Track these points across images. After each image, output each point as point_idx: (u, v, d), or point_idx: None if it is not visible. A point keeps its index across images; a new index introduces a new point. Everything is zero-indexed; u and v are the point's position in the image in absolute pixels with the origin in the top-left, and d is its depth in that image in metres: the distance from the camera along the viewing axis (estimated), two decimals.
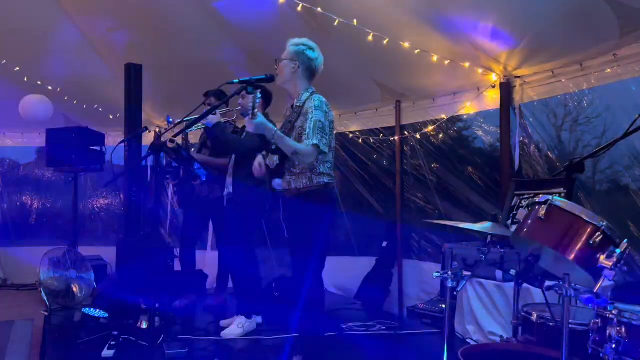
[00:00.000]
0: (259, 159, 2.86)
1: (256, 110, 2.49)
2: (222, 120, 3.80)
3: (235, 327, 3.69)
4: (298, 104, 2.78)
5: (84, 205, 6.66)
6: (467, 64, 4.13)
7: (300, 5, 4.06)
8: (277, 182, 2.78)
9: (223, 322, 3.90)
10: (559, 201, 1.98)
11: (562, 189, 3.55)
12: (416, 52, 4.12)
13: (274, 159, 2.70)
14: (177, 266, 4.49)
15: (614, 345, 1.99)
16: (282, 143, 2.61)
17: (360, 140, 5.39)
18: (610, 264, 1.84)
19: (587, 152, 2.44)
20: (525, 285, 2.90)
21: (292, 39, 2.85)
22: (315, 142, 2.61)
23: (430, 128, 4.76)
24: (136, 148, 4.61)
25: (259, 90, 2.57)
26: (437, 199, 4.78)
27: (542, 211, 1.98)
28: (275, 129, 2.63)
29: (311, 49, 2.82)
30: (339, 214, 2.88)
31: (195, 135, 6.26)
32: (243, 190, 3.75)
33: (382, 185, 5.24)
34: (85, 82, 5.79)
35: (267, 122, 2.60)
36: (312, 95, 2.77)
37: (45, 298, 4.42)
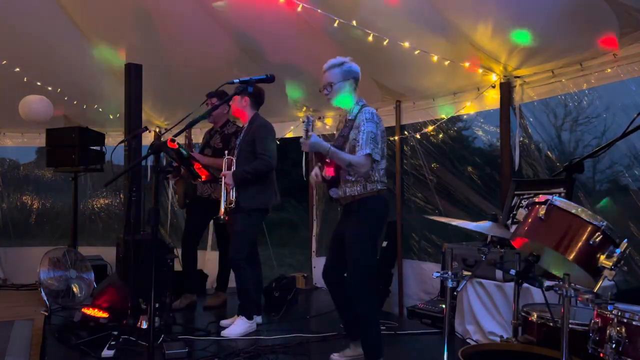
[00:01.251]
0: (316, 170, 3.01)
1: (310, 132, 2.69)
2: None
3: (236, 327, 3.70)
4: (351, 118, 2.95)
5: (84, 205, 6.66)
6: (467, 64, 4.13)
7: (300, 5, 4.06)
8: (333, 191, 2.98)
9: (223, 322, 3.91)
10: (559, 201, 1.98)
11: (562, 189, 3.55)
12: (416, 52, 4.12)
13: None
14: (177, 266, 4.48)
15: (614, 345, 1.99)
16: (337, 157, 2.80)
17: None
18: (610, 263, 1.84)
19: (587, 152, 2.44)
20: (525, 285, 2.90)
21: (327, 62, 2.98)
22: (367, 151, 2.79)
23: (430, 128, 4.76)
24: (136, 148, 4.62)
25: (310, 116, 2.75)
26: (437, 199, 4.78)
27: (542, 211, 1.98)
28: (329, 145, 2.79)
29: (351, 63, 2.99)
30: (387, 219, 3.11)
31: (197, 136, 6.28)
32: (247, 192, 3.75)
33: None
34: (85, 82, 5.79)
35: (321, 141, 2.78)
36: (362, 108, 2.94)
37: (45, 298, 4.43)
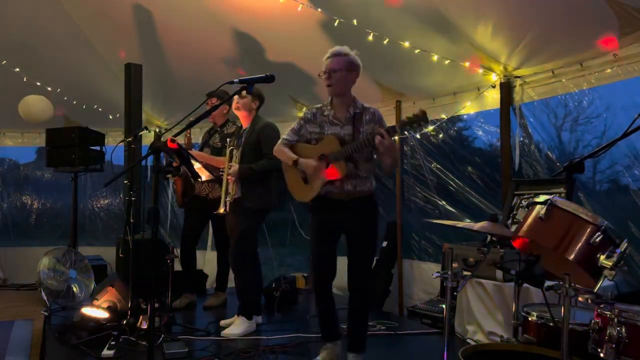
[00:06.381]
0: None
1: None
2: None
3: (235, 327, 3.70)
4: (357, 111, 2.88)
5: (84, 205, 6.66)
6: (467, 64, 4.13)
7: (300, 5, 4.07)
8: (327, 187, 2.85)
9: (223, 322, 3.90)
10: (559, 201, 1.98)
11: (562, 189, 3.55)
12: (416, 52, 4.12)
13: (351, 167, 2.81)
14: (177, 266, 4.48)
15: (614, 345, 1.99)
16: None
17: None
18: (610, 263, 1.84)
19: (587, 152, 2.43)
20: (525, 285, 2.90)
21: (333, 49, 2.87)
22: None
23: (430, 128, 4.76)
24: (136, 148, 4.62)
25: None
26: (437, 199, 4.78)
27: (542, 211, 1.98)
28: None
29: (356, 56, 2.88)
30: None
31: (197, 135, 6.27)
32: (253, 192, 3.75)
33: (382, 185, 5.24)
34: (85, 82, 5.79)
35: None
36: (364, 105, 2.91)
37: (45, 298, 4.42)
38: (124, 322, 3.54)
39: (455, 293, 3.66)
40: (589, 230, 1.89)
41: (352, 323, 2.96)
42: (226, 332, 3.66)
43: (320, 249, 2.98)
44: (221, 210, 3.71)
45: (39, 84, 5.60)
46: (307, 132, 2.97)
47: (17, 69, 5.43)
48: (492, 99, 4.27)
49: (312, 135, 2.95)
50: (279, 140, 3.09)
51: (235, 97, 3.68)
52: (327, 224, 2.94)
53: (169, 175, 4.57)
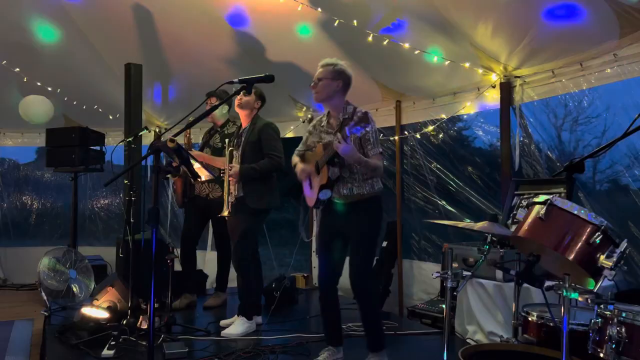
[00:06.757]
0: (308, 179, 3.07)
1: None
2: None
3: (235, 327, 3.70)
4: (346, 117, 2.95)
5: (84, 205, 6.67)
6: (467, 64, 4.13)
7: (300, 5, 4.07)
8: (325, 192, 2.92)
9: (223, 322, 3.90)
10: (559, 201, 1.98)
11: (562, 189, 3.55)
12: (416, 52, 4.12)
13: (335, 171, 2.88)
14: (177, 266, 4.48)
15: (614, 345, 1.99)
16: (366, 164, 2.82)
17: None
18: (610, 263, 1.84)
19: (587, 152, 2.43)
20: (525, 285, 2.90)
21: (323, 60, 3.02)
22: (380, 150, 2.93)
23: (430, 128, 4.76)
24: (136, 148, 4.62)
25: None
26: (437, 199, 4.78)
27: (542, 211, 1.97)
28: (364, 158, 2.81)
29: (347, 67, 3.01)
30: None
31: (197, 135, 6.27)
32: (255, 193, 3.74)
33: (382, 185, 5.24)
34: (85, 82, 5.79)
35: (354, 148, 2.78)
36: (356, 109, 2.98)
37: (45, 298, 4.42)
38: (124, 322, 3.53)
39: (455, 293, 3.66)
40: (588, 230, 1.89)
41: (364, 325, 3.00)
42: (226, 332, 3.66)
43: (323, 254, 3.07)
44: (225, 213, 3.70)
45: (39, 84, 5.60)
46: (311, 142, 3.16)
47: (17, 69, 5.43)
48: (492, 99, 4.27)
49: (314, 145, 3.12)
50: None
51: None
52: (329, 227, 3.03)
53: (169, 175, 4.57)
